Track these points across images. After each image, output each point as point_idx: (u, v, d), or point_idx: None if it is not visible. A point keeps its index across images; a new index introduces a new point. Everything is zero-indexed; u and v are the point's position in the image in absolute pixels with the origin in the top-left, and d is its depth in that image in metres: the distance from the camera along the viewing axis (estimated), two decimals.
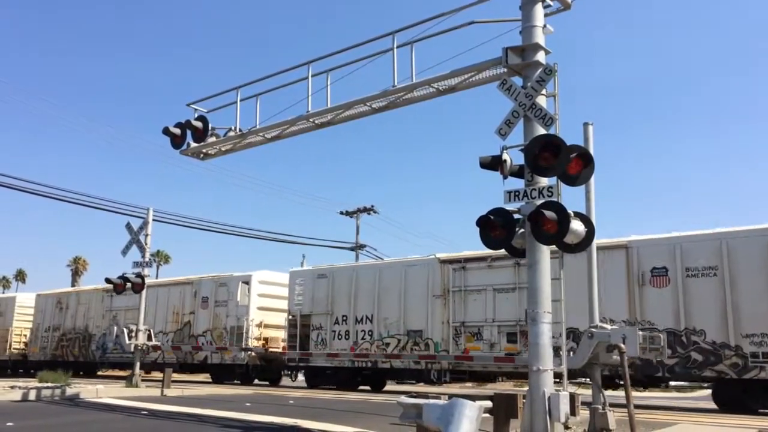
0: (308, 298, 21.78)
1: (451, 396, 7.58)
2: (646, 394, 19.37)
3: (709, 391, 17.40)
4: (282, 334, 23.34)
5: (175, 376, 30.67)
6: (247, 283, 24.01)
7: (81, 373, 28.68)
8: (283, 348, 22.66)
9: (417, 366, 18.84)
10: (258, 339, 23.38)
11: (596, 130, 9.45)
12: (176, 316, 26.00)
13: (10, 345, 32.86)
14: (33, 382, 18.28)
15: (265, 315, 23.91)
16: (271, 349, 23.24)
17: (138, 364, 19.54)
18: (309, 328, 21.36)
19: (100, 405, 14.40)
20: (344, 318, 20.78)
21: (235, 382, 24.09)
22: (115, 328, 21.81)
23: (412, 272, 19.57)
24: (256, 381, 25.07)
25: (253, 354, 23.07)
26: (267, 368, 24.11)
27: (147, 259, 19.55)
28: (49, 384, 17.09)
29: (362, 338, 20.15)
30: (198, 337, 24.80)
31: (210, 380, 25.35)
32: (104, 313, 28.84)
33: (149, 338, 20.29)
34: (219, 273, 25.53)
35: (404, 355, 19.00)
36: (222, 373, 24.55)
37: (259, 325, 23.62)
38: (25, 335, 33.43)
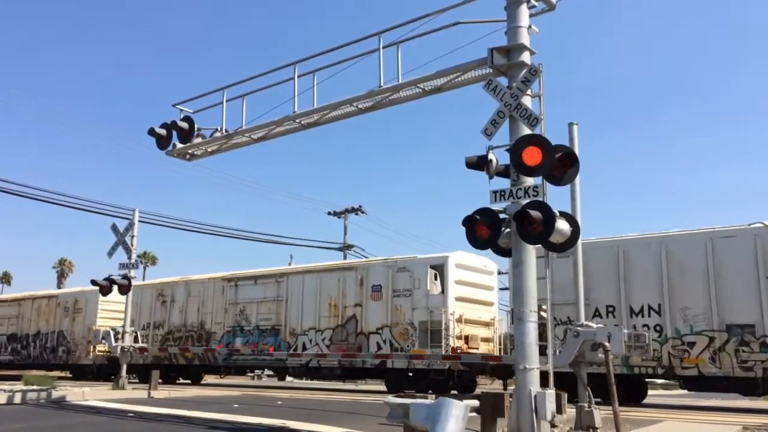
0: (543, 283, 18.02)
1: (438, 395, 7.60)
2: None
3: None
4: (481, 332, 19.92)
5: (331, 384, 27.24)
6: (440, 267, 19.67)
7: (179, 378, 26.12)
8: (489, 349, 19.37)
9: (746, 373, 14.20)
10: (459, 337, 19.07)
11: (582, 131, 9.50)
12: (334, 309, 21.27)
13: (95, 347, 27.50)
14: (18, 385, 18.12)
15: (463, 308, 19.54)
16: (471, 350, 19.16)
17: (125, 366, 19.41)
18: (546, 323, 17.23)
19: (85, 408, 14.30)
20: (610, 309, 16.21)
21: (409, 392, 19.20)
22: (101, 330, 21.70)
23: (724, 246, 14.93)
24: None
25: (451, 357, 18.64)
26: (465, 373, 19.59)
27: (133, 261, 19.44)
28: (35, 387, 16.95)
29: None
30: (370, 335, 20.30)
31: (385, 389, 21.07)
32: (227, 307, 24.05)
33: (136, 340, 20.17)
34: (395, 256, 21.25)
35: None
36: (404, 380, 19.94)
37: (459, 320, 19.15)
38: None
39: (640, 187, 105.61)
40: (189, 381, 26.75)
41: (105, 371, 27.71)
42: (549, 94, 8.23)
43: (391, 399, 7.93)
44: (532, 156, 7.52)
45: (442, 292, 19.18)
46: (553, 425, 8.03)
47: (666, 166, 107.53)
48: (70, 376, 29.50)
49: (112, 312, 28.45)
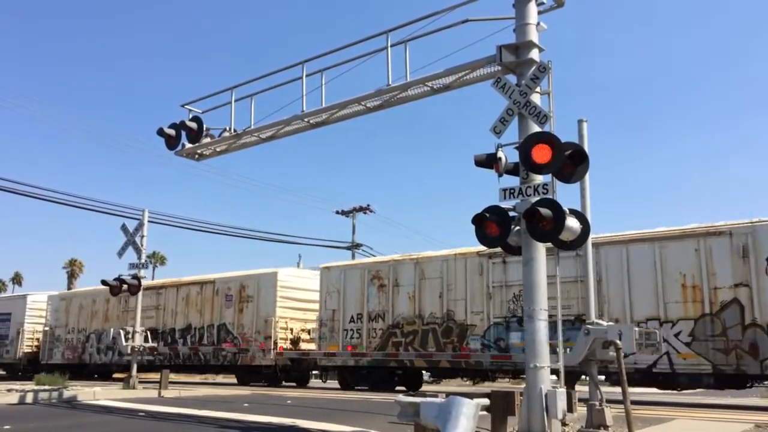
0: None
1: (448, 394, 7.59)
2: (644, 390, 19.34)
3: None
4: None
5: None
6: None
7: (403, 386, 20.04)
8: None
9: None
10: None
11: (593, 129, 9.46)
12: (694, 291, 15.12)
13: (275, 343, 22.37)
14: (30, 385, 18.23)
15: None
16: None
17: (135, 366, 19.49)
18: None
19: (97, 407, 14.37)
20: None
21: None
22: (112, 330, 21.77)
23: None
24: None
25: None
26: None
27: (143, 261, 19.53)
28: (46, 386, 17.05)
29: None
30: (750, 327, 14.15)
31: None
32: (491, 291, 17.94)
33: (146, 340, 20.24)
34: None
35: None
36: None
37: None
38: (293, 329, 23.06)
39: (649, 184, 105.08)
40: (404, 387, 20.48)
41: (290, 375, 23.46)
42: (558, 91, 8.20)
43: (402, 398, 7.92)
44: (541, 153, 7.50)
45: None
46: (564, 423, 8.01)
47: (672, 162, 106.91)
48: (235, 381, 24.64)
49: (292, 300, 23.36)
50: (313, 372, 25.61)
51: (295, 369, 22.94)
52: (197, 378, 30.27)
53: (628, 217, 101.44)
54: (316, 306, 22.09)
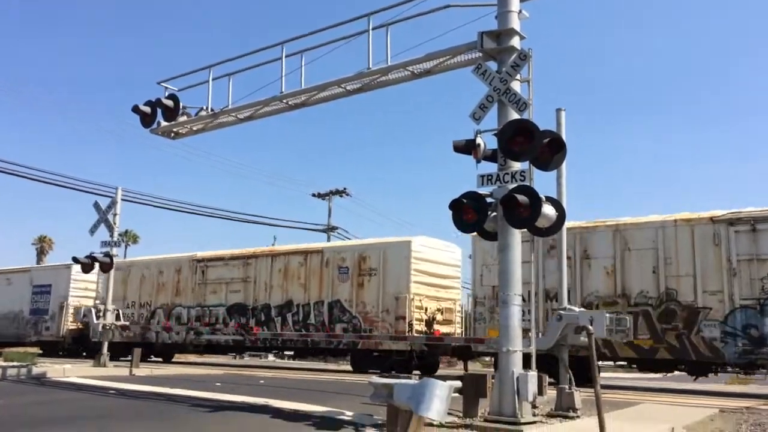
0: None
1: (422, 376, 7.69)
2: (613, 374, 19.70)
3: (673, 372, 16.75)
4: None
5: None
6: None
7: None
8: None
9: None
10: None
11: (573, 119, 9.56)
12: None
13: (410, 324, 18.90)
14: None
15: None
16: None
17: (106, 344, 19.33)
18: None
19: (66, 384, 14.25)
20: None
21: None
22: (83, 308, 21.51)
23: None
24: None
25: None
26: None
27: (115, 239, 19.33)
28: (15, 363, 16.87)
29: None
30: None
31: None
32: (733, 265, 14.41)
33: (117, 318, 20.06)
34: None
35: None
36: None
37: None
38: (428, 308, 19.57)
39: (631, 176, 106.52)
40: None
41: (428, 360, 19.84)
42: (538, 80, 8.26)
43: (376, 379, 8.00)
44: (519, 141, 7.59)
45: None
46: (534, 406, 8.18)
47: (656, 156, 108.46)
48: (350, 368, 21.42)
49: (426, 275, 19.75)
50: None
51: (432, 354, 19.90)
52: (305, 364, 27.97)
53: (605, 205, 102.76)
54: (451, 282, 20.16)
